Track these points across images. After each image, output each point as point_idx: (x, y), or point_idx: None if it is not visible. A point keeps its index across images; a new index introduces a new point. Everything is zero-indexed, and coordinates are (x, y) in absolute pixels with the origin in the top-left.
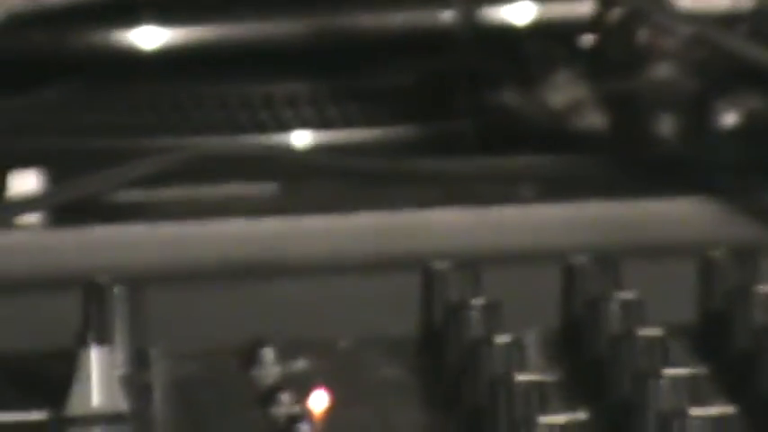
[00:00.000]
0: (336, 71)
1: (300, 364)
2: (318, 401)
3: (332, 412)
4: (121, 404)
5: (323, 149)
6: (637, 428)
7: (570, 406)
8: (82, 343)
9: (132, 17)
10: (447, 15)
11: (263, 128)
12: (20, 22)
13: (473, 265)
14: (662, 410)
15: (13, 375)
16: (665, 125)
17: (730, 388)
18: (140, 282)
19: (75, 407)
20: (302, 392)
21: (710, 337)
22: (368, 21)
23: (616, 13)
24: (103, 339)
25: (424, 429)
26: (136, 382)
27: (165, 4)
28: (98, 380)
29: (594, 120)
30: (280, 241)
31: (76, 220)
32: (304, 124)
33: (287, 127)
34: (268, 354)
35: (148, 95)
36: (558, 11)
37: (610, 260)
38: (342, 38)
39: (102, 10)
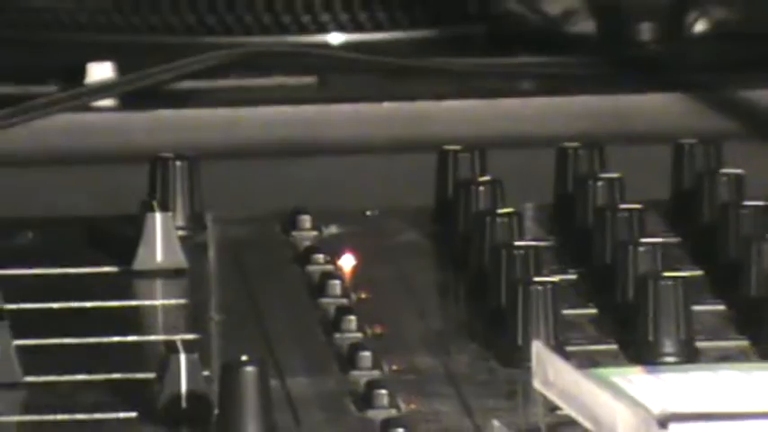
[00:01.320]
0: None
1: (333, 230)
2: (347, 261)
3: (358, 270)
4: (181, 260)
5: (354, 48)
6: (617, 288)
7: (561, 269)
8: (148, 209)
9: None
10: None
11: (303, 29)
12: None
13: (480, 147)
14: (639, 273)
15: (90, 236)
16: (646, 31)
17: (698, 255)
18: (198, 157)
19: (141, 262)
20: (334, 254)
21: (681, 211)
22: None
23: None
24: (166, 206)
25: (436, 287)
26: (193, 242)
27: None
28: (161, 240)
29: (586, 26)
30: (317, 125)
31: (145, 104)
32: (339, 27)
33: (324, 29)
34: (306, 220)
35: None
36: None
37: (596, 145)
38: None
39: None
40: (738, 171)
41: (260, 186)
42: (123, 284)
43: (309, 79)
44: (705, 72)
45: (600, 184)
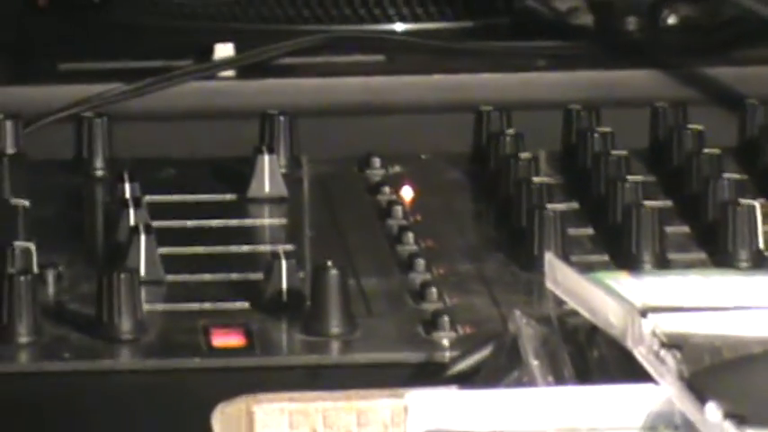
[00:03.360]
0: None
1: (396, 169)
2: (407, 193)
3: (415, 200)
4: (283, 191)
5: (413, 34)
6: (609, 214)
7: (567, 199)
8: (258, 152)
9: None
10: None
11: (374, 19)
12: None
13: (506, 108)
14: (626, 203)
15: (215, 172)
16: (631, 23)
17: (668, 190)
18: (296, 114)
19: (253, 192)
20: (397, 186)
21: (656, 157)
22: None
23: None
24: (272, 150)
25: (473, 212)
26: (292, 177)
27: None
28: (268, 175)
29: (586, 19)
30: (384, 91)
31: (257, 75)
32: (401, 18)
33: (390, 19)
34: (376, 162)
35: None
36: None
37: (593, 108)
38: None
39: None
40: (699, 127)
41: (342, 137)
42: (239, 208)
43: (379, 57)
44: (674, 54)
45: (596, 136)
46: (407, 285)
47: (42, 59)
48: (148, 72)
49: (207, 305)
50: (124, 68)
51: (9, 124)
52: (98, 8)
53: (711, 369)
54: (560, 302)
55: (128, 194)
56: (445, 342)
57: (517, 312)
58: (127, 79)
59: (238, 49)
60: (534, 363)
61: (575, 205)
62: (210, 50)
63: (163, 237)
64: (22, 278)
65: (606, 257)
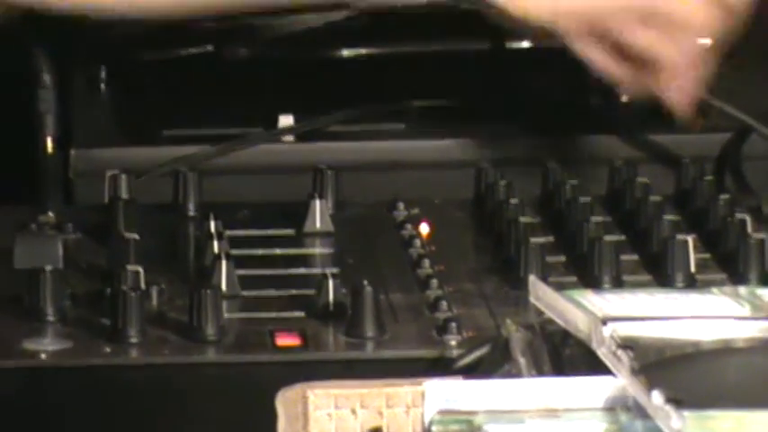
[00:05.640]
0: None
1: (416, 210)
2: (424, 229)
3: (431, 235)
4: (330, 227)
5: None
6: (578, 246)
7: (546, 234)
8: (311, 197)
9: None
10: None
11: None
12: None
13: (500, 164)
14: (590, 237)
15: (281, 212)
16: (595, 97)
17: (622, 227)
18: (340, 169)
19: (308, 227)
20: (416, 224)
21: (614, 203)
22: None
23: None
24: (321, 196)
25: (476, 244)
26: (337, 217)
27: None
28: (319, 216)
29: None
30: (407, 152)
31: (310, 139)
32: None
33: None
34: (400, 205)
35: None
36: None
37: (565, 164)
38: None
39: None
40: (646, 180)
41: (375, 186)
42: (297, 240)
43: (401, 125)
44: (628, 123)
45: (567, 187)
46: (424, 300)
47: (150, 125)
48: (229, 137)
49: (272, 314)
50: (210, 134)
51: (124, 177)
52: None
53: (656, 364)
54: (541, 313)
55: (213, 230)
56: (453, 343)
57: (508, 321)
58: (213, 142)
59: (296, 119)
60: (521, 360)
61: (551, 239)
62: (276, 120)
63: (239, 262)
64: (133, 294)
65: (575, 279)
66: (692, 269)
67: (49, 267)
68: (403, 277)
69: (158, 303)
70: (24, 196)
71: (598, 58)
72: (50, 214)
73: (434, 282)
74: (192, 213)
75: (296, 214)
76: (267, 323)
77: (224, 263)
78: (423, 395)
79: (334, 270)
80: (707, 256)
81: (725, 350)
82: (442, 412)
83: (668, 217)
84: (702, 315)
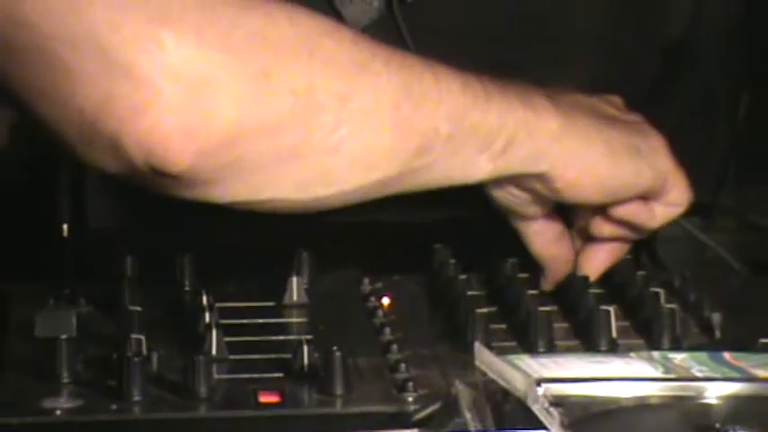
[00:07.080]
0: None
1: (379, 285)
2: (386, 301)
3: (391, 306)
4: (305, 300)
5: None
6: (517, 316)
7: (490, 306)
8: (290, 275)
9: None
10: None
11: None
12: None
13: (450, 246)
14: (527, 311)
15: (262, 288)
16: None
17: (556, 300)
18: (313, 255)
19: (287, 299)
20: (380, 296)
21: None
22: None
23: None
24: (298, 273)
25: (431, 315)
26: (311, 290)
27: None
28: (296, 290)
29: None
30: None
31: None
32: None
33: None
34: (366, 281)
35: None
36: None
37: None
38: None
39: None
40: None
41: (344, 265)
42: (277, 311)
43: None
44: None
45: (507, 264)
46: (386, 362)
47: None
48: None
49: (256, 375)
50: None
51: (129, 258)
52: None
53: (583, 419)
54: (485, 374)
55: (205, 302)
56: (410, 399)
57: (457, 381)
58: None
59: None
60: (467, 414)
61: (494, 310)
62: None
63: (227, 330)
64: (136, 359)
65: (515, 344)
66: (614, 335)
67: (64, 336)
68: (368, 343)
69: (158, 367)
70: (43, 273)
71: (539, 243)
72: (66, 291)
73: (395, 347)
74: (187, 288)
75: (277, 289)
76: (251, 383)
77: (214, 331)
78: None
79: (309, 337)
80: (626, 323)
81: (642, 407)
82: None
83: (593, 290)
84: (622, 376)
